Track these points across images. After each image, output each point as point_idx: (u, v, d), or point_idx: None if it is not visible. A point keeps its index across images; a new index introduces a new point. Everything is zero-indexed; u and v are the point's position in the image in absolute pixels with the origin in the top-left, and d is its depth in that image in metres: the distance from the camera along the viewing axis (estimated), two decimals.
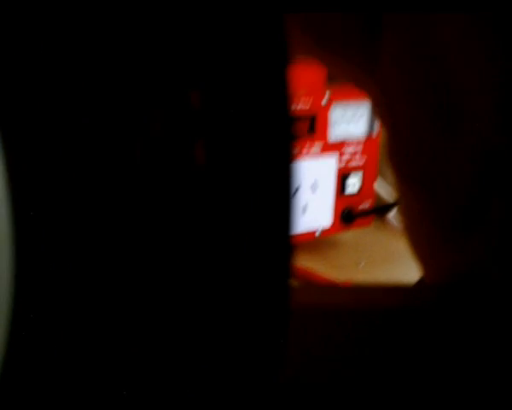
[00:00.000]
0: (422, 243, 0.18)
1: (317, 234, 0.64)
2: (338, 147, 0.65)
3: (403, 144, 0.17)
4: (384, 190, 0.72)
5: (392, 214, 0.71)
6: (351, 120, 0.66)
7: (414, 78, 0.16)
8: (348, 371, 0.17)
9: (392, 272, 0.61)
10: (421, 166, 0.17)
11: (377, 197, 0.71)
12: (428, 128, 0.16)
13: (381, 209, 0.70)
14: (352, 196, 0.68)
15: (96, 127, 0.11)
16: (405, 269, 0.61)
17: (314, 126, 0.61)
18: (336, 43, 0.18)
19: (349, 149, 0.67)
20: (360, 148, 0.67)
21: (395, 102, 0.17)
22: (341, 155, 0.66)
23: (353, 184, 0.68)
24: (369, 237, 0.69)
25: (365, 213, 0.68)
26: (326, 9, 0.16)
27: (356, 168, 0.68)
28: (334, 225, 0.65)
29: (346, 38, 0.18)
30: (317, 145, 0.63)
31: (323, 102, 0.62)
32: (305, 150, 0.62)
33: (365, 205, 0.69)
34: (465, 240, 0.16)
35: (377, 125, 0.68)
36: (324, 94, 0.62)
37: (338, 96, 0.63)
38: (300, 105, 0.61)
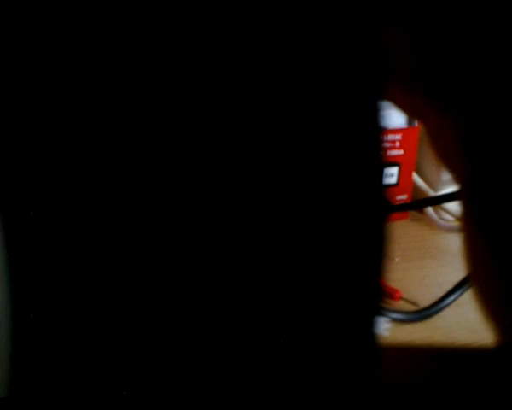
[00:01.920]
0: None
1: None
2: None
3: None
4: (422, 182, 0.60)
5: (430, 208, 0.59)
6: (390, 108, 0.63)
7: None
8: None
9: (428, 268, 0.58)
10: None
11: (414, 189, 0.60)
12: None
13: (418, 203, 0.59)
14: (388, 186, 0.62)
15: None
16: (442, 265, 0.57)
17: None
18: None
19: (387, 138, 0.63)
20: (399, 137, 0.63)
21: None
22: None
23: (391, 174, 0.62)
24: (404, 231, 0.62)
25: (402, 207, 0.60)
26: None
27: (394, 158, 0.62)
28: None
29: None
30: None
31: None
32: None
33: (402, 197, 0.62)
34: None
35: None
36: None
37: None
38: None
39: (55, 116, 0.15)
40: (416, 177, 0.63)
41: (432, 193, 0.62)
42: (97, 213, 0.15)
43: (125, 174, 0.15)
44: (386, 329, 0.46)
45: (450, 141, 0.20)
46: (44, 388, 0.14)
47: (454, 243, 0.59)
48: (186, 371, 0.15)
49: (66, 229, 0.15)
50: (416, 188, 0.63)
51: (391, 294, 0.50)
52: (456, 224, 0.60)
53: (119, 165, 0.15)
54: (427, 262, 0.56)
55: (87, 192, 0.15)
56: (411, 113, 0.24)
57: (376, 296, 0.17)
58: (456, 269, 0.51)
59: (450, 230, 0.59)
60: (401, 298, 0.50)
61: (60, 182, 0.15)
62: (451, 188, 0.59)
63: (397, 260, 0.57)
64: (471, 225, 0.20)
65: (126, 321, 0.15)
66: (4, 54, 0.15)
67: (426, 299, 0.49)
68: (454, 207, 0.60)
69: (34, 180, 0.15)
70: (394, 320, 0.47)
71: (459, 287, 0.48)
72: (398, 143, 0.61)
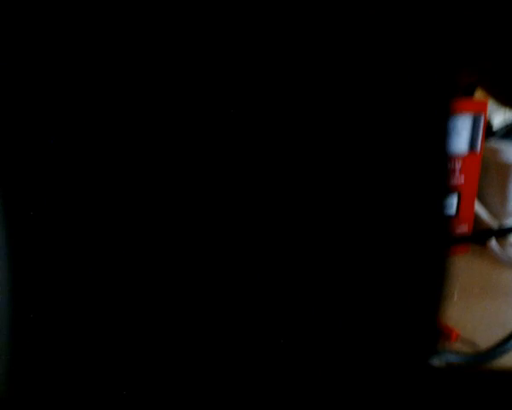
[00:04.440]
0: None
1: None
2: None
3: None
4: (484, 212, 0.57)
5: (494, 242, 0.55)
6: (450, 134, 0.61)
7: None
8: None
9: (490, 306, 0.55)
10: None
11: (476, 221, 0.56)
12: None
13: (480, 235, 0.55)
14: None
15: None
16: (506, 303, 0.55)
17: None
18: None
19: None
20: (459, 164, 0.59)
21: None
22: None
23: (449, 204, 0.58)
24: (464, 266, 0.58)
25: (462, 240, 0.57)
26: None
27: (453, 187, 0.59)
28: None
29: None
30: None
31: None
32: None
33: (462, 229, 0.58)
34: None
35: (480, 141, 0.59)
36: None
37: None
38: None
39: (56, 117, 0.15)
40: (478, 206, 0.59)
41: (495, 224, 0.59)
42: (97, 214, 0.15)
43: (126, 174, 0.15)
44: None
45: None
46: (44, 387, 0.14)
47: None
48: (186, 370, 0.15)
49: (67, 229, 0.14)
50: (477, 218, 0.59)
51: (447, 333, 0.47)
52: None
53: (119, 165, 0.15)
54: (489, 300, 0.53)
55: (87, 192, 0.15)
56: None
57: (432, 335, 0.17)
58: None
59: None
60: (458, 338, 0.47)
61: (60, 182, 0.15)
62: None
63: (455, 297, 0.54)
64: None
65: (126, 321, 0.15)
66: (5, 54, 0.15)
67: (485, 341, 0.46)
68: None
69: (34, 180, 0.15)
70: (449, 363, 0.44)
71: None
72: (458, 170, 0.58)
